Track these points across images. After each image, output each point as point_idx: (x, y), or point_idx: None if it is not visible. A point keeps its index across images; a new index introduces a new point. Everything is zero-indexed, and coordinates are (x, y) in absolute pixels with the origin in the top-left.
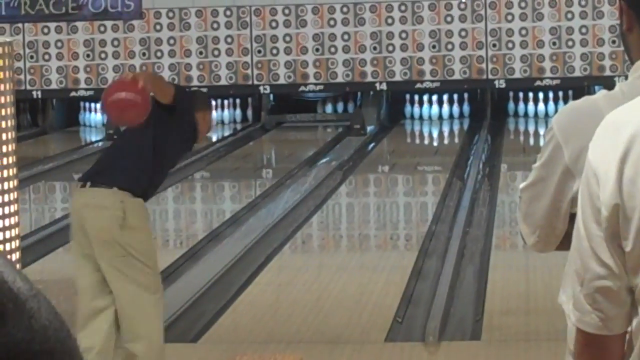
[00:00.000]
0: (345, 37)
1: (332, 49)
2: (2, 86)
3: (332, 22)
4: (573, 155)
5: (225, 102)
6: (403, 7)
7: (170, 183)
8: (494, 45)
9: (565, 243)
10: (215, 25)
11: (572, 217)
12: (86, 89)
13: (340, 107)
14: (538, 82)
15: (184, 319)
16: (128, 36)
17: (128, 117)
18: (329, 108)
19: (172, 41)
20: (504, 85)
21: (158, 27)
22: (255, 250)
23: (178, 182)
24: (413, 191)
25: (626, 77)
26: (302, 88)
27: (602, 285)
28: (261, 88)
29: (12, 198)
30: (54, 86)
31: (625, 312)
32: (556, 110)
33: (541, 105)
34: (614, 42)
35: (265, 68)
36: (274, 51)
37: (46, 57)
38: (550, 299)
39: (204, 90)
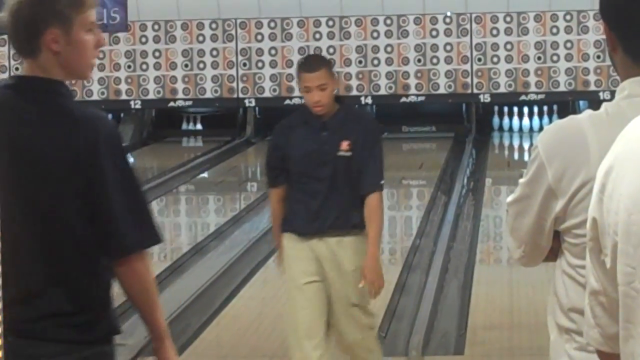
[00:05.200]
0: (331, 50)
1: None
2: None
3: (317, 36)
4: (556, 175)
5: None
6: (389, 21)
7: (154, 196)
8: (479, 60)
9: (551, 256)
10: (200, 38)
11: (557, 234)
12: None
13: None
14: (523, 97)
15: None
16: (113, 48)
17: None
18: None
19: (157, 54)
20: (488, 100)
21: (144, 39)
22: (239, 264)
23: (162, 195)
24: (398, 205)
25: (611, 92)
26: (287, 101)
27: (598, 300)
28: (246, 101)
29: None
30: None
31: None
32: (541, 125)
33: (526, 120)
34: (598, 57)
35: (251, 81)
36: (260, 64)
37: None
38: (534, 314)
39: (189, 103)
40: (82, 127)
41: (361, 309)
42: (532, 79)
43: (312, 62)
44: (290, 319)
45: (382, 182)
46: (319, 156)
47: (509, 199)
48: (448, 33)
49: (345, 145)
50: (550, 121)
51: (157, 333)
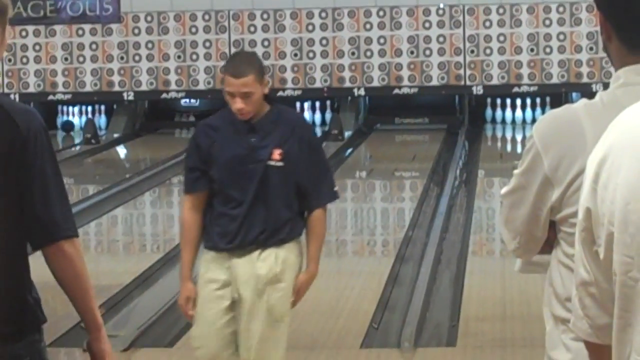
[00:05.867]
0: (324, 42)
1: (311, 54)
2: None
3: (310, 27)
4: (552, 164)
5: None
6: (381, 13)
7: (147, 187)
8: (472, 52)
9: (546, 247)
10: (193, 30)
11: (552, 224)
12: (64, 93)
13: (318, 114)
14: (516, 89)
15: (160, 323)
16: (106, 40)
17: None
18: (307, 115)
19: (150, 45)
20: (481, 92)
21: (136, 30)
22: None
23: (155, 187)
24: (390, 197)
25: (603, 84)
26: (280, 93)
27: (588, 292)
28: None
29: None
30: (31, 89)
31: None
32: (534, 117)
33: (519, 112)
34: (591, 49)
35: None
36: None
37: (24, 60)
38: (526, 305)
39: (183, 94)
40: (14, 120)
41: (271, 328)
42: (524, 70)
43: (239, 66)
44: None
45: (336, 188)
46: (246, 163)
47: (503, 190)
48: (441, 25)
49: (277, 154)
50: (543, 113)
51: (92, 322)
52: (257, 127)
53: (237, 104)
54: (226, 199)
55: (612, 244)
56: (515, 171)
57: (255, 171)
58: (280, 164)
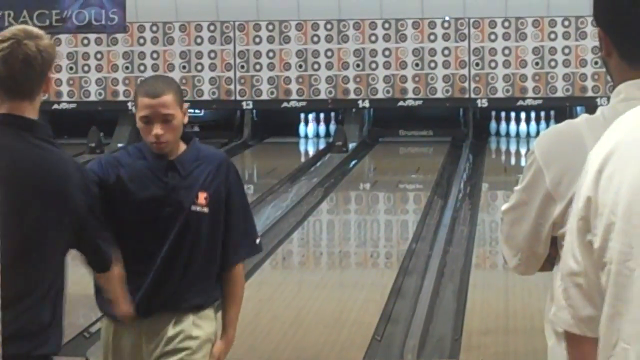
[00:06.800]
0: (329, 54)
1: (315, 66)
2: None
3: (315, 39)
4: (554, 180)
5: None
6: (387, 25)
7: None
8: (477, 64)
9: (547, 265)
10: (198, 40)
11: (554, 240)
12: (69, 102)
13: (322, 126)
14: (520, 102)
15: None
16: (111, 49)
17: None
18: (311, 127)
19: (155, 55)
20: (486, 105)
21: (142, 40)
22: None
23: None
24: (394, 209)
25: (608, 99)
26: (284, 104)
27: (575, 282)
28: (244, 104)
29: None
30: None
31: (599, 316)
32: (538, 130)
33: (523, 125)
34: (596, 63)
35: (248, 84)
36: (257, 67)
37: None
38: (530, 318)
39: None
40: (79, 171)
41: None
42: (529, 84)
43: (155, 85)
44: None
45: (259, 241)
46: (164, 207)
47: (504, 207)
48: (446, 37)
49: (202, 198)
50: (548, 127)
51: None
52: (178, 165)
53: (156, 130)
54: (133, 251)
55: (609, 233)
56: (516, 187)
57: (175, 217)
58: (205, 209)
